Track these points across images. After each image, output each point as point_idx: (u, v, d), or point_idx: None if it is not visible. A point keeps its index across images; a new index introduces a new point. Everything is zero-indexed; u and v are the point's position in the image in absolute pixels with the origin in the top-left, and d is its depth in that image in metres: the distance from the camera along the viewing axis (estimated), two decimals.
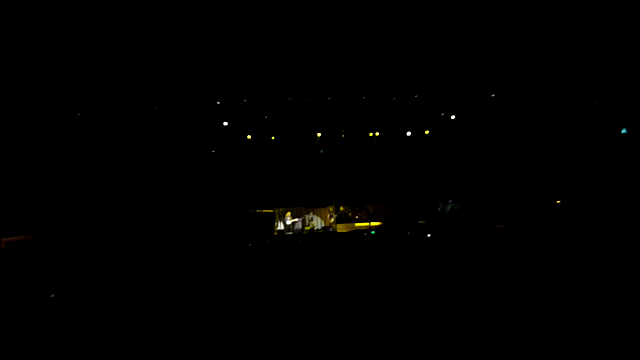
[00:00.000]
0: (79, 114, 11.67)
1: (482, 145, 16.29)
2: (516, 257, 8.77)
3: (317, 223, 16.78)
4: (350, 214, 16.87)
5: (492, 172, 16.06)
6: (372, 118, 15.57)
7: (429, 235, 12.19)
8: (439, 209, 15.66)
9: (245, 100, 13.54)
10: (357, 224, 16.07)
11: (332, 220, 16.23)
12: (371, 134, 16.71)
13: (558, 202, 14.17)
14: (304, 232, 15.34)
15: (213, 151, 16.43)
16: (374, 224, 15.95)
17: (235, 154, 16.47)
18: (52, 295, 5.37)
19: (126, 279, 7.27)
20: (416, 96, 14.09)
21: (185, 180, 15.62)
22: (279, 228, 16.35)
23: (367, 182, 17.30)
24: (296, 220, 15.87)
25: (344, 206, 16.96)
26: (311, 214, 16.72)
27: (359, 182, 17.26)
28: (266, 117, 14.96)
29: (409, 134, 16.58)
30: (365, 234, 12.79)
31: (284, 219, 15.80)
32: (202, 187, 15.88)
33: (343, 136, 16.64)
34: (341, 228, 15.76)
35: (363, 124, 16.04)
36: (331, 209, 16.63)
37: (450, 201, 15.63)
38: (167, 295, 5.98)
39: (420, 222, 15.60)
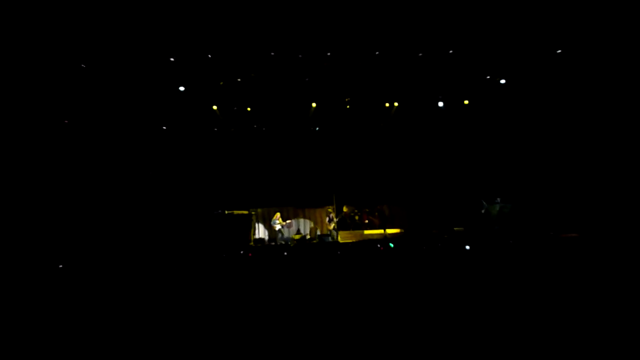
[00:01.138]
0: None
1: (544, 122, 14.83)
2: (602, 283, 7.51)
3: (307, 229, 15.87)
4: (356, 217, 15.78)
5: (558, 160, 14.69)
6: (388, 81, 14.28)
7: (467, 247, 11.27)
8: (483, 211, 14.71)
9: (209, 56, 12.38)
10: (367, 231, 14.97)
11: (332, 225, 15.15)
12: (387, 104, 15.51)
13: None
14: (290, 243, 14.09)
15: (163, 127, 15.15)
16: (390, 231, 14.77)
17: (194, 130, 15.39)
18: None
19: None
20: (451, 51, 12.83)
21: (120, 168, 14.26)
22: (256, 236, 15.47)
23: (381, 173, 16.40)
24: (286, 223, 14.89)
25: (348, 206, 15.85)
26: (301, 216, 15.85)
27: (369, 173, 16.33)
28: (239, 80, 13.71)
29: (440, 104, 15.46)
30: (379, 246, 11.69)
31: (272, 222, 14.77)
32: (145, 178, 14.66)
33: (347, 107, 15.52)
34: (344, 236, 14.55)
35: (376, 90, 14.79)
36: (330, 210, 15.47)
37: (498, 200, 14.59)
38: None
39: (456, 228, 14.49)
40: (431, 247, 11.59)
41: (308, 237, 15.12)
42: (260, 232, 16.09)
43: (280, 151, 16.35)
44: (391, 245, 11.81)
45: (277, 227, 15.05)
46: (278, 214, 15.09)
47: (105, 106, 13.67)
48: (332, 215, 15.32)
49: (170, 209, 14.29)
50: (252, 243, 14.44)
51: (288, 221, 15.49)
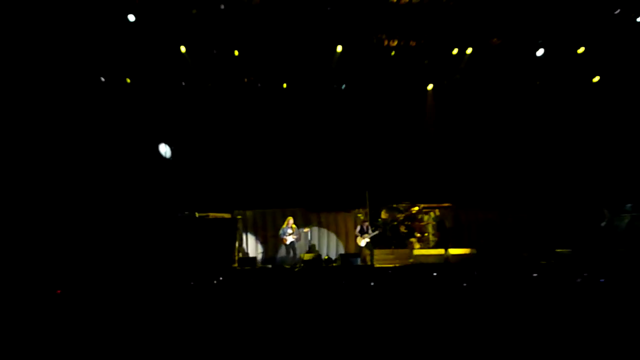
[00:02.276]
0: None
1: None
2: None
3: (327, 243, 15.22)
4: (402, 228, 14.78)
5: None
6: (458, 13, 13.33)
7: (578, 280, 10.48)
8: (604, 224, 14.37)
9: None
10: (418, 250, 14.16)
11: (364, 239, 13.94)
12: (456, 50, 14.48)
13: None
14: (297, 267, 13.34)
15: (102, 78, 14.27)
16: (454, 251, 13.78)
17: (151, 86, 14.63)
18: None
19: None
20: None
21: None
22: (245, 251, 14.72)
23: (443, 160, 15.68)
24: (296, 234, 13.87)
25: (389, 210, 15.06)
26: (314, 224, 14.87)
27: (423, 159, 15.69)
28: (222, 7, 12.95)
29: (539, 52, 14.54)
30: (435, 275, 11.07)
31: (281, 232, 13.95)
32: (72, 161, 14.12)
33: (392, 53, 14.43)
34: (382, 257, 13.88)
35: (439, 26, 13.78)
36: (361, 215, 14.66)
37: (629, 207, 14.28)
38: None
39: (559, 250, 13.67)
40: (521, 279, 10.71)
41: (326, 257, 13.99)
42: (250, 246, 14.79)
43: (285, 120, 15.40)
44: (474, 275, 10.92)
45: (289, 239, 13.63)
46: (290, 220, 13.68)
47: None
48: (365, 224, 14.02)
49: (101, 208, 13.80)
50: (236, 264, 13.45)
51: (292, 231, 13.98)
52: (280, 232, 13.88)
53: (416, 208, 15.31)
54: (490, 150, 16.04)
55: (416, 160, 15.73)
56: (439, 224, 14.89)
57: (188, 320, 7.52)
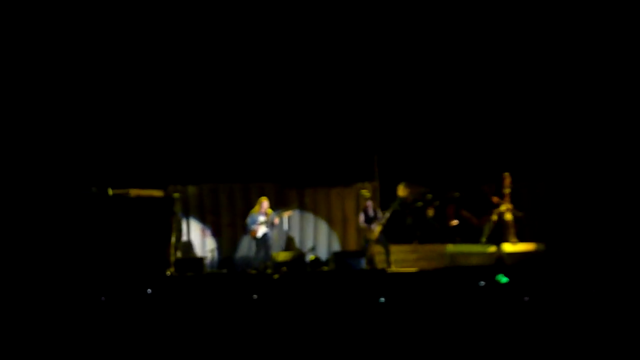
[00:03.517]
0: None
1: None
2: None
3: (314, 236, 12.41)
4: (429, 212, 11.87)
5: None
6: None
7: None
8: None
9: None
10: (453, 246, 11.18)
11: (374, 231, 11.03)
12: None
13: None
14: (269, 270, 10.79)
15: None
16: (512, 247, 10.81)
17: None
18: None
19: None
20: None
21: None
22: (185, 252, 12.15)
23: (494, 110, 12.32)
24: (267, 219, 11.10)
25: (409, 185, 11.84)
26: (293, 205, 12.10)
27: (461, 107, 12.34)
28: None
29: None
30: (484, 284, 8.91)
31: (250, 220, 11.07)
32: None
33: None
34: (401, 256, 11.02)
35: None
36: (365, 191, 11.77)
37: None
38: None
39: None
40: (620, 292, 7.92)
41: (312, 258, 11.44)
42: (195, 241, 11.93)
43: (244, 45, 12.25)
44: (503, 280, 8.96)
45: (261, 231, 10.76)
46: (265, 202, 10.77)
47: None
48: (373, 206, 11.07)
49: None
50: (171, 269, 10.72)
51: (266, 219, 10.93)
52: (249, 220, 10.71)
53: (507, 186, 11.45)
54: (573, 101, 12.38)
55: (451, 118, 12.07)
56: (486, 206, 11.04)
57: None
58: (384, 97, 11.96)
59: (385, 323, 6.61)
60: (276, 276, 9.88)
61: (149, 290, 8.60)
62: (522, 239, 10.65)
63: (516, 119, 12.37)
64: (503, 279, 8.57)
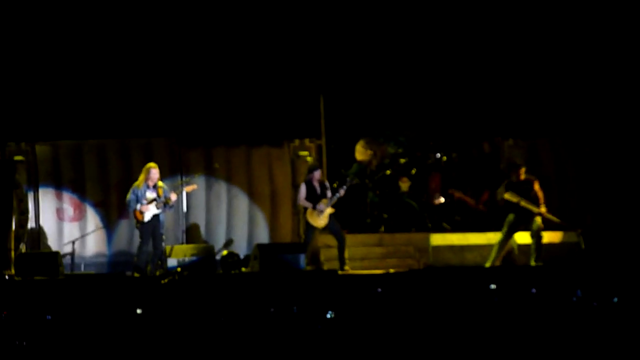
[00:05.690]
0: None
1: None
2: None
3: (227, 221, 10.08)
4: (403, 183, 9.77)
5: None
6: None
7: None
8: None
9: None
10: (443, 237, 9.10)
11: (322, 214, 8.73)
12: None
13: None
14: (159, 273, 8.49)
15: None
16: (525, 237, 8.47)
17: None
18: None
19: None
20: None
21: None
22: (33, 243, 10.04)
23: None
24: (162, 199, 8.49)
25: (372, 142, 10.22)
26: (200, 175, 9.13)
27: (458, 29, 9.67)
28: None
29: None
30: (494, 286, 7.54)
31: (134, 193, 8.36)
32: None
33: None
34: (362, 251, 9.22)
35: None
36: (305, 154, 9.90)
37: None
38: None
39: None
40: None
41: (225, 252, 9.05)
42: (48, 228, 9.62)
43: None
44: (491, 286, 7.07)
45: (150, 212, 8.27)
46: (154, 169, 8.38)
47: None
48: (319, 176, 8.77)
49: None
50: (10, 271, 8.54)
51: (157, 195, 8.37)
52: (130, 196, 8.22)
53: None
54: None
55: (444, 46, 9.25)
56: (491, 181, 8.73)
57: None
58: (333, 6, 9.10)
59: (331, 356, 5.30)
60: (165, 281, 7.28)
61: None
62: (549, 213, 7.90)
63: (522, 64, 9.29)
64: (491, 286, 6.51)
